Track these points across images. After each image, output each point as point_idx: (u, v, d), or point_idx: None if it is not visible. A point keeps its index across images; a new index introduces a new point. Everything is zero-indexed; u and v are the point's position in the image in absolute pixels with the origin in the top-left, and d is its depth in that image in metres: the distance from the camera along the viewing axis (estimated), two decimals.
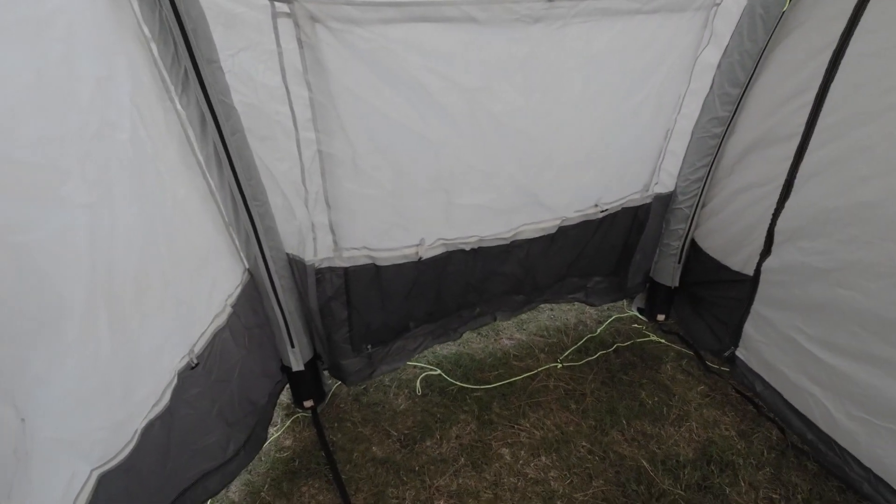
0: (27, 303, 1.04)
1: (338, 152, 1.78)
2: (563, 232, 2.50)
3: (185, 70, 1.44)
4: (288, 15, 1.46)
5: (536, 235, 2.43)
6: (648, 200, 2.66)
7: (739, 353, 2.60)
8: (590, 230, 2.59)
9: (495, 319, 2.76)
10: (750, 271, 2.44)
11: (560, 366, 2.77)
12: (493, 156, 2.05)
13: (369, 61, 1.61)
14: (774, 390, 2.41)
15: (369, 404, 2.56)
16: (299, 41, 1.52)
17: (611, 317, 3.16)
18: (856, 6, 1.79)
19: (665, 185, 2.65)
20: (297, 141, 1.74)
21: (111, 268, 1.26)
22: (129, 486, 1.41)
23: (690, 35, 2.13)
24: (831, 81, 1.92)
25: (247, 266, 1.97)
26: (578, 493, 2.12)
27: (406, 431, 2.40)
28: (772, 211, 2.25)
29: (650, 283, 3.05)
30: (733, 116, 2.33)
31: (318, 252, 2.04)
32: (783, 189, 2.18)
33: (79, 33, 1.11)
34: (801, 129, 2.06)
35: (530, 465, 2.24)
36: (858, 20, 1.79)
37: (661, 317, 3.07)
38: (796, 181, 2.13)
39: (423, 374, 2.71)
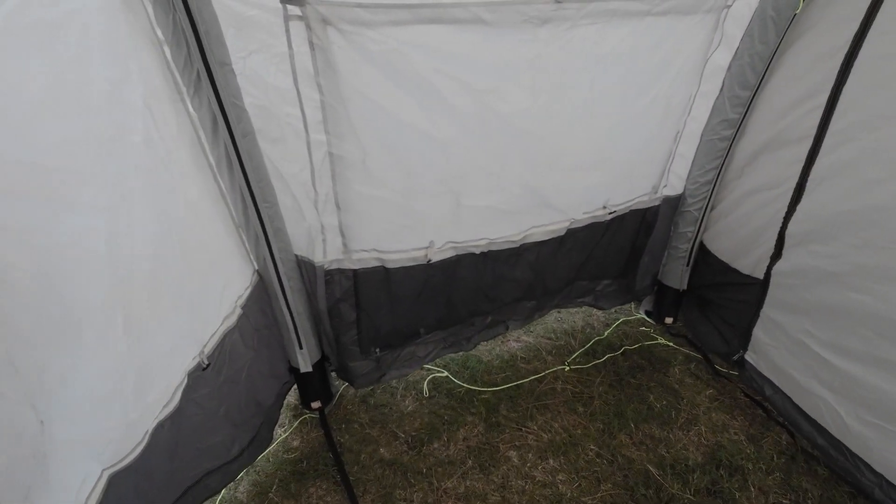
0: (48, 306, 1.05)
1: (348, 154, 1.79)
2: (572, 234, 2.49)
3: (198, 72, 1.45)
4: (300, 18, 1.47)
5: (546, 238, 2.42)
6: (657, 203, 2.65)
7: (748, 356, 2.58)
8: (598, 232, 2.58)
9: (507, 329, 2.75)
10: (760, 274, 2.42)
11: (567, 368, 2.76)
12: (502, 156, 2.05)
13: (380, 63, 1.61)
14: (784, 394, 2.39)
15: (377, 406, 2.56)
16: (311, 44, 1.53)
17: (618, 319, 3.15)
18: (869, 8, 1.77)
19: (674, 187, 2.63)
20: (308, 143, 1.74)
21: (128, 270, 1.28)
22: (138, 484, 1.43)
23: (700, 37, 2.12)
24: (844, 84, 1.91)
25: (256, 267, 1.98)
26: (586, 496, 2.12)
27: (413, 433, 2.40)
28: (783, 214, 2.24)
29: (658, 286, 3.03)
30: (743, 119, 2.32)
31: (327, 254, 2.04)
32: (794, 192, 2.17)
33: (93, 36, 1.12)
34: (813, 131, 2.04)
35: (538, 468, 2.23)
36: (872, 22, 1.78)
37: (669, 320, 3.05)
38: (808, 184, 2.11)
39: (431, 376, 2.71)
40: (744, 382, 2.62)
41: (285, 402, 2.47)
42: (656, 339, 2.98)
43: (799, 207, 2.17)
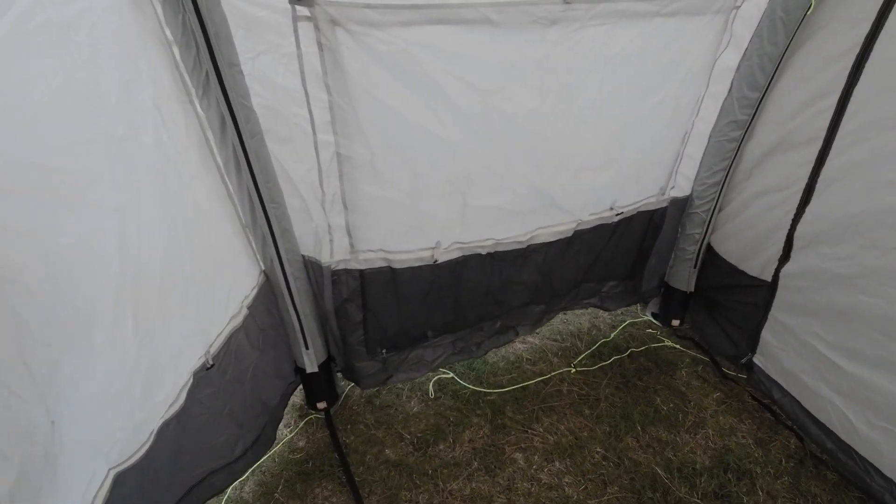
0: (59, 307, 1.05)
1: (356, 155, 1.79)
2: (579, 236, 2.48)
3: (207, 73, 1.45)
4: (308, 18, 1.47)
5: (552, 239, 2.41)
6: (664, 204, 2.64)
7: (757, 359, 2.57)
8: (605, 234, 2.57)
9: (517, 335, 2.74)
10: (768, 277, 2.41)
11: (574, 370, 2.75)
12: (509, 157, 2.05)
13: (388, 64, 1.61)
14: (793, 398, 2.37)
15: (382, 406, 2.56)
16: (319, 44, 1.53)
17: (625, 321, 3.13)
18: (881, 9, 1.76)
19: (682, 188, 2.62)
20: (315, 143, 1.74)
21: (138, 271, 1.28)
22: (143, 484, 1.43)
23: (709, 38, 2.11)
24: (855, 85, 1.89)
25: (263, 268, 1.98)
26: (593, 499, 2.10)
27: (419, 434, 2.39)
28: (791, 215, 2.22)
29: (665, 288, 3.02)
30: (752, 120, 2.30)
31: (334, 254, 2.04)
32: (804, 193, 2.15)
33: (103, 36, 1.13)
34: (823, 133, 2.03)
35: (544, 471, 2.22)
36: (883, 23, 1.76)
37: (676, 322, 3.04)
38: (817, 185, 2.09)
39: (436, 377, 2.70)
40: (752, 385, 2.60)
41: (291, 402, 2.48)
42: (663, 341, 2.97)
43: (808, 209, 2.16)
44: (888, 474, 1.95)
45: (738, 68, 2.21)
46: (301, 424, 2.46)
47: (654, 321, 3.13)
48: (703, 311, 2.91)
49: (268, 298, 2.02)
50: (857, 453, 2.07)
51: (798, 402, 2.34)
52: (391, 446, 2.34)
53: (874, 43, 1.81)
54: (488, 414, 2.49)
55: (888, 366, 1.89)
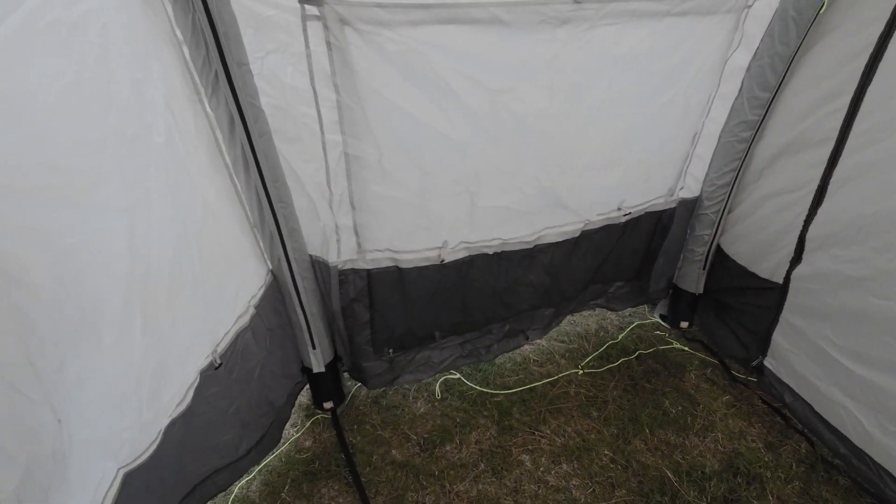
0: (66, 306, 1.05)
1: (364, 154, 1.78)
2: (587, 236, 2.47)
3: (216, 72, 1.45)
4: (317, 17, 1.47)
5: (559, 239, 2.40)
6: (673, 205, 2.61)
7: (768, 362, 2.54)
8: (613, 235, 2.55)
9: (528, 338, 2.73)
10: (779, 279, 2.38)
11: (581, 372, 2.74)
12: (517, 157, 2.04)
13: (397, 63, 1.61)
14: (804, 401, 2.34)
15: (388, 407, 2.55)
16: (328, 43, 1.53)
17: (633, 323, 3.11)
18: (895, 9, 1.74)
19: (691, 189, 2.60)
20: (323, 143, 1.74)
21: (147, 270, 1.28)
22: (150, 482, 1.43)
23: (720, 37, 2.09)
24: (868, 85, 1.87)
25: (270, 267, 1.98)
26: (601, 502, 2.09)
27: (425, 435, 2.39)
28: (803, 217, 2.20)
29: (673, 290, 3.00)
30: (763, 120, 2.28)
31: (341, 254, 2.04)
32: (815, 195, 2.13)
33: (114, 36, 1.12)
34: (836, 133, 2.00)
35: (551, 473, 2.21)
36: None
37: (684, 324, 3.01)
38: (830, 187, 2.07)
39: (443, 378, 2.70)
40: (763, 389, 2.57)
41: (298, 401, 2.47)
42: (671, 343, 2.95)
43: (820, 211, 2.13)
44: None
45: (748, 68, 2.19)
46: (308, 424, 2.46)
47: (663, 323, 3.11)
48: (713, 314, 2.89)
49: (275, 298, 2.02)
50: (870, 458, 2.03)
51: (810, 406, 2.31)
52: (398, 447, 2.34)
53: (888, 42, 1.78)
54: (495, 415, 2.48)
55: None
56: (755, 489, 2.13)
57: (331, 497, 2.14)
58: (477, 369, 2.76)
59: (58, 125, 1.00)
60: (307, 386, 2.42)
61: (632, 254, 2.76)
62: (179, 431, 1.55)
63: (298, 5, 1.44)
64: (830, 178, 2.06)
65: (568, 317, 3.13)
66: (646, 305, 3.21)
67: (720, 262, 2.76)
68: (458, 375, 2.70)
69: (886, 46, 1.79)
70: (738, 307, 2.70)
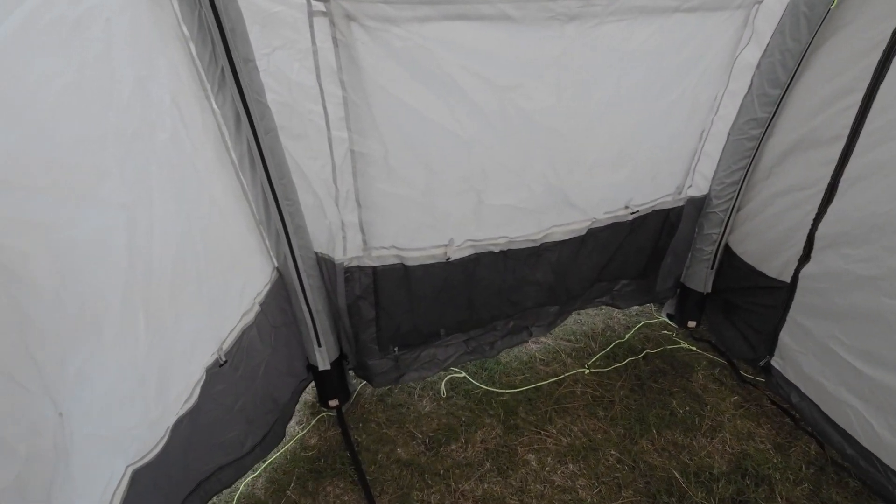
0: (66, 301, 1.05)
1: (370, 151, 1.78)
2: (593, 234, 2.45)
3: (222, 69, 1.45)
4: (324, 13, 1.46)
5: (566, 238, 2.39)
6: (681, 203, 2.59)
7: (775, 362, 2.52)
8: (620, 233, 2.54)
9: (531, 335, 2.72)
10: (787, 278, 2.36)
11: (587, 371, 2.72)
12: (524, 154, 2.03)
13: (404, 60, 1.60)
14: (811, 402, 2.32)
15: (394, 405, 2.55)
16: (334, 40, 1.52)
17: (640, 322, 3.09)
18: None
19: (699, 187, 2.58)
20: (329, 140, 1.73)
21: (149, 267, 1.28)
22: (157, 479, 1.43)
23: (729, 34, 2.07)
24: (881, 82, 1.85)
25: (276, 265, 1.98)
26: (607, 502, 2.07)
27: (431, 434, 2.38)
28: (813, 215, 2.17)
29: (681, 289, 2.97)
30: (772, 118, 2.26)
31: (347, 251, 2.03)
32: (826, 193, 2.10)
33: (117, 32, 1.12)
34: (847, 131, 1.98)
35: (557, 473, 2.20)
36: None
37: (692, 323, 2.99)
38: (840, 185, 2.05)
39: (448, 377, 2.69)
40: (770, 389, 2.55)
41: (303, 399, 2.48)
42: (679, 343, 2.92)
43: (830, 209, 2.11)
44: None
45: (758, 65, 2.16)
46: (313, 422, 2.45)
47: (670, 322, 3.09)
48: (720, 313, 2.86)
49: (280, 295, 2.02)
50: (879, 460, 2.01)
51: (817, 407, 2.28)
52: (403, 445, 2.33)
53: None
54: (501, 414, 2.47)
55: None
56: (764, 491, 2.10)
57: (336, 495, 2.13)
58: (482, 368, 2.75)
59: (58, 121, 1.00)
60: (313, 383, 2.42)
61: (638, 252, 2.74)
62: (187, 429, 1.55)
63: (305, 1, 1.44)
64: (841, 175, 2.04)
65: (574, 316, 3.12)
66: (653, 305, 3.19)
67: (728, 262, 2.73)
68: (463, 374, 2.69)
69: None
70: (746, 307, 2.68)
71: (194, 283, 1.50)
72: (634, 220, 2.51)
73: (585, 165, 2.18)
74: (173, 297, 1.40)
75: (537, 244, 2.33)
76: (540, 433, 2.37)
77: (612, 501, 2.08)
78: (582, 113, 2.01)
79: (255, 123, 1.57)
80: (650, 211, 2.54)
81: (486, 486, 2.15)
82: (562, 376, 2.69)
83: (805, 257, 2.25)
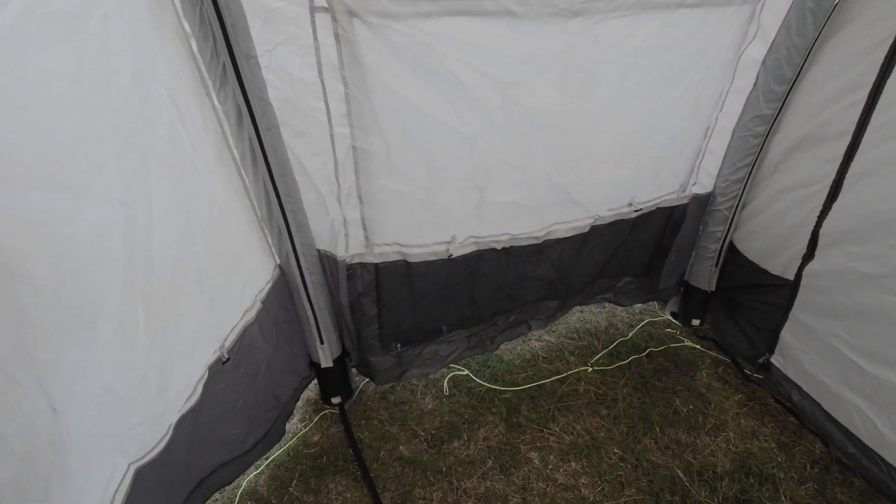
0: (63, 297, 1.04)
1: (372, 148, 1.77)
2: (596, 232, 2.44)
3: (224, 65, 1.44)
4: (326, 9, 1.46)
5: (569, 235, 2.38)
6: (685, 201, 2.58)
7: (775, 360, 2.50)
8: (623, 230, 2.52)
9: (530, 328, 2.71)
10: (790, 275, 2.34)
11: (591, 369, 2.71)
12: (527, 151, 2.02)
13: (406, 56, 1.59)
14: (813, 400, 2.30)
15: (396, 403, 2.55)
16: (336, 36, 1.51)
17: (643, 320, 3.08)
18: None
19: (703, 185, 2.56)
20: (332, 136, 1.73)
21: (148, 264, 1.27)
22: (160, 477, 1.43)
23: (734, 29, 2.05)
24: (887, 78, 1.82)
25: (278, 262, 1.98)
26: (610, 501, 2.07)
27: (433, 431, 2.38)
28: (817, 212, 2.16)
29: (685, 287, 2.96)
30: (778, 114, 2.24)
31: (349, 248, 2.03)
32: (830, 190, 2.08)
33: (115, 27, 1.11)
34: (853, 127, 1.96)
35: (560, 471, 2.19)
36: None
37: (696, 322, 2.98)
38: (845, 182, 2.03)
39: (451, 374, 2.68)
40: (769, 387, 2.53)
41: (306, 396, 2.48)
42: (682, 341, 2.91)
43: (835, 206, 2.09)
44: None
45: (764, 61, 2.14)
46: (315, 419, 2.46)
47: (674, 321, 3.08)
48: (724, 312, 2.85)
49: (282, 293, 2.02)
50: (882, 459, 2.00)
51: (818, 405, 2.27)
52: (405, 443, 2.33)
53: None
54: (503, 412, 2.47)
55: None
56: (768, 490, 2.10)
57: (338, 492, 2.13)
58: (485, 366, 2.75)
59: (55, 116, 0.99)
60: (315, 381, 2.42)
61: (642, 249, 2.73)
62: (189, 426, 1.55)
63: None
64: (846, 172, 2.02)
65: (577, 314, 3.12)
66: (656, 303, 3.18)
67: (733, 259, 2.72)
68: (466, 372, 2.69)
69: None
70: (749, 304, 2.66)
71: (195, 282, 1.49)
72: (638, 217, 2.50)
73: (588, 162, 2.17)
74: (174, 296, 1.40)
75: (540, 241, 2.32)
76: (543, 431, 2.37)
77: (615, 500, 2.07)
78: (585, 109, 1.99)
79: (257, 120, 1.57)
80: (654, 208, 2.52)
81: (488, 483, 2.14)
82: (565, 374, 2.68)
83: (809, 255, 2.23)
